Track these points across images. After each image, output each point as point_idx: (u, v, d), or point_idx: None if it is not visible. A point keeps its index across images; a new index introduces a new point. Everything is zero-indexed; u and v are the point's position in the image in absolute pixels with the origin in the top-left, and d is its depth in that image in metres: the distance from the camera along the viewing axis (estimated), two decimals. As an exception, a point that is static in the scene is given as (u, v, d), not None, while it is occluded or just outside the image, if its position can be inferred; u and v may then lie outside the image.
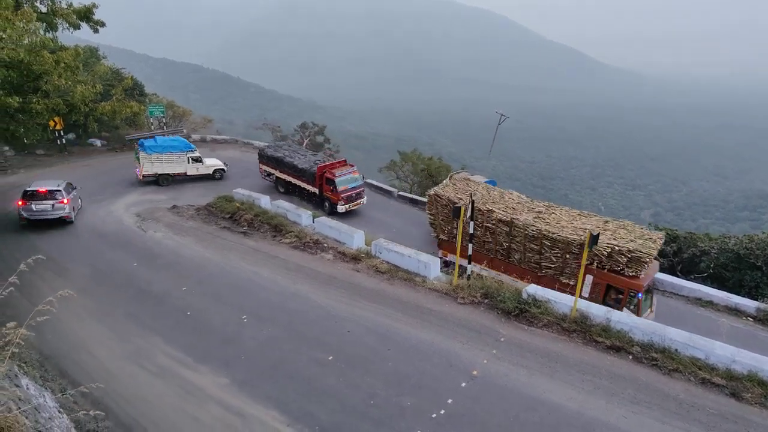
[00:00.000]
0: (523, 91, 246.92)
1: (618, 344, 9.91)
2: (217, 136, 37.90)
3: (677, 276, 18.36)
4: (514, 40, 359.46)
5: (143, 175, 24.37)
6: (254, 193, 19.80)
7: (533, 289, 11.59)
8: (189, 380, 9.29)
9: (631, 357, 9.68)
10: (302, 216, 17.53)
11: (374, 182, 29.25)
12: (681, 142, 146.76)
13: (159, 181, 24.61)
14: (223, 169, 26.60)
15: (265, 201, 19.08)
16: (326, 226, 16.60)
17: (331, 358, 9.77)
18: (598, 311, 10.62)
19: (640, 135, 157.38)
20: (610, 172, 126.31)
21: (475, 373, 9.25)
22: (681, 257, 20.03)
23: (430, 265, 13.45)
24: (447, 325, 10.98)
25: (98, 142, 30.79)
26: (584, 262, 10.58)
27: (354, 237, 15.56)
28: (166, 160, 24.87)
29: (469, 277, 13.27)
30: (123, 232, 17.42)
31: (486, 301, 11.91)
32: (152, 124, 34.81)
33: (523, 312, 11.17)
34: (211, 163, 26.36)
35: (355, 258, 14.67)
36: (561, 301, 11.14)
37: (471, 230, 13.31)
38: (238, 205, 18.78)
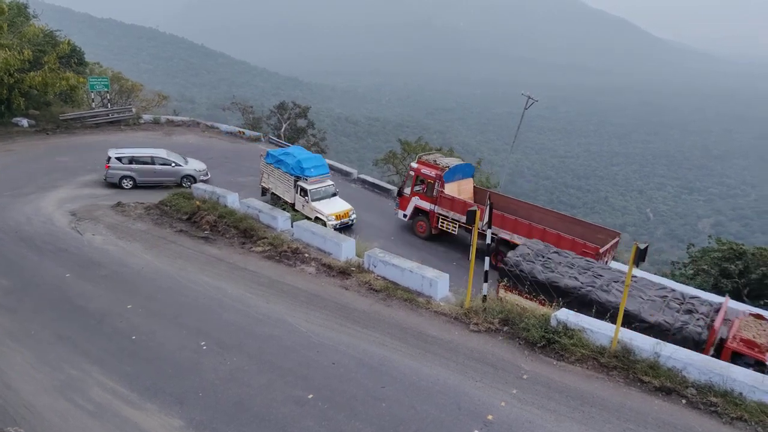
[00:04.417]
0: (562, 71, 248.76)
1: (669, 385, 9.95)
2: (174, 117, 38.00)
3: (744, 302, 18.43)
4: (554, 8, 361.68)
5: (261, 185, 24.31)
6: (218, 189, 19.85)
7: (564, 315, 11.64)
8: (132, 421, 9.25)
9: (684, 401, 9.72)
10: (278, 218, 17.57)
11: (368, 178, 29.40)
12: (752, 137, 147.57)
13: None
14: (324, 221, 21.07)
15: (232, 199, 19.13)
16: (308, 231, 16.65)
17: (311, 396, 9.78)
18: (644, 344, 10.67)
19: (701, 127, 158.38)
20: (661, 172, 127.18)
21: (490, 418, 9.27)
22: (748, 278, 20.13)
23: (437, 283, 13.49)
24: (456, 358, 11.00)
25: (25, 122, 30.77)
26: None
27: (342, 246, 15.61)
28: (276, 177, 23.51)
29: (485, 299, 13.32)
30: (54, 234, 17.40)
31: (505, 328, 11.96)
32: (93, 101, 34.92)
33: (552, 343, 11.20)
34: (319, 207, 21.78)
35: (344, 272, 14.71)
36: (599, 330, 11.18)
37: (489, 241, 13.35)
38: (198, 203, 18.80)
